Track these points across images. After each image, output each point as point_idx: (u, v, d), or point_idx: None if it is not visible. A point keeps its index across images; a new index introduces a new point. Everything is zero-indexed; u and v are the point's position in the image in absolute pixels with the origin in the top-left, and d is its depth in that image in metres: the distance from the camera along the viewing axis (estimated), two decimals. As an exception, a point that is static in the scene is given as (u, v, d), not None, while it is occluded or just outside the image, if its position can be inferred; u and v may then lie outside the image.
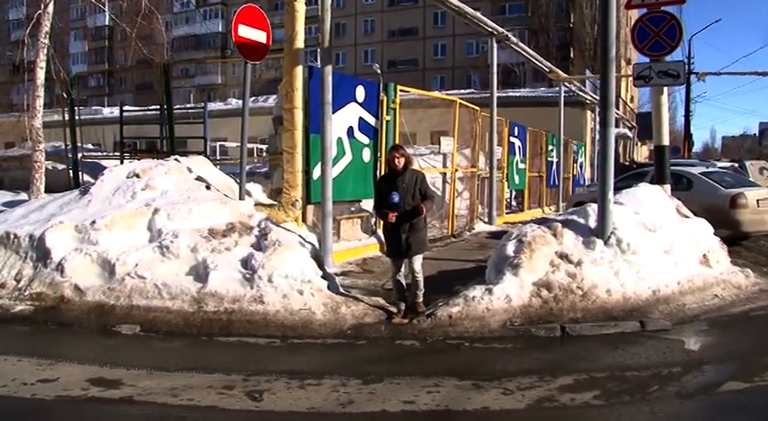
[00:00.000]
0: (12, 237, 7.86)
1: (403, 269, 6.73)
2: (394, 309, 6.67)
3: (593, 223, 7.60)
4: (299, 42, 8.64)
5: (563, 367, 5.20)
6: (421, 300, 6.69)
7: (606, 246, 7.26)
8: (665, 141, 9.67)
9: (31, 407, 4.38)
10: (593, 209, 7.76)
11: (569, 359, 5.48)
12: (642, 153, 47.43)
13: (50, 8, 11.54)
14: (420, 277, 6.65)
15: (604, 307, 6.63)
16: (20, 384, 4.75)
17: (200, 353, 5.68)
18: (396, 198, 6.39)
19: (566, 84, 22.48)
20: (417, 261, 6.62)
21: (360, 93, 9.72)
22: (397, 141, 10.69)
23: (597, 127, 27.19)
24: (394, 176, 6.54)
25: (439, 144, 13.33)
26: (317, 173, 8.70)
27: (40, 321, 6.67)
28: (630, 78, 31.94)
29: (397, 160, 6.48)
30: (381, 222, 6.95)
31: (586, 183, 25.34)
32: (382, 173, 10.26)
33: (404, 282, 6.75)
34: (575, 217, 7.88)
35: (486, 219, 14.80)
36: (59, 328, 6.49)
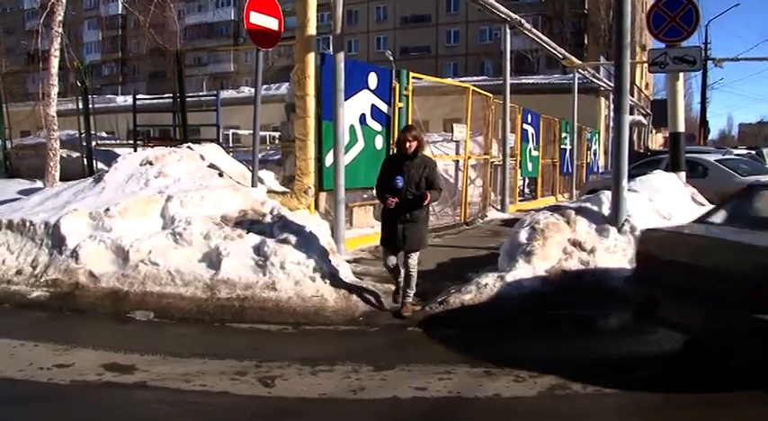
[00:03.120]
0: (28, 224, 7.92)
1: (395, 261, 6.35)
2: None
3: (606, 210, 7.56)
4: (312, 29, 8.61)
5: (575, 354, 5.19)
6: (410, 299, 6.29)
7: (620, 234, 7.22)
8: (681, 128, 9.58)
9: (47, 391, 4.42)
10: (606, 196, 7.72)
11: (581, 346, 5.46)
12: (657, 140, 47.04)
13: (64, -3, 11.56)
14: (414, 273, 6.20)
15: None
16: (37, 369, 4.81)
17: (213, 340, 5.72)
18: (400, 183, 5.91)
19: (580, 70, 22.33)
20: (413, 256, 6.19)
21: (372, 80, 9.69)
22: (409, 129, 10.67)
23: (611, 114, 27.05)
24: (402, 159, 6.08)
25: (452, 131, 13.30)
26: (329, 160, 8.69)
27: (56, 307, 6.72)
28: (645, 65, 31.65)
29: (408, 143, 6.01)
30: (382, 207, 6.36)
31: (600, 171, 25.21)
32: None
33: (398, 268, 6.37)
34: (588, 204, 7.83)
35: (499, 207, 14.78)
36: (75, 314, 6.54)
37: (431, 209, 12.40)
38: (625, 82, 7.52)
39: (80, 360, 5.02)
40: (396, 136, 10.28)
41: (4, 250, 7.82)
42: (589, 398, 4.28)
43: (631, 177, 8.14)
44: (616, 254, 7.02)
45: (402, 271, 6.27)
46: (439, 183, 6.17)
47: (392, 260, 6.32)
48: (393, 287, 6.73)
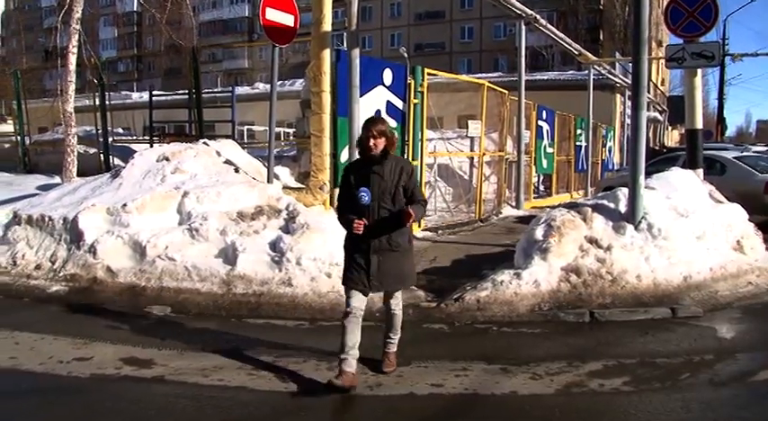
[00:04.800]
0: (46, 219, 8.01)
1: (362, 307, 4.43)
2: (422, 293, 6.60)
3: (623, 208, 7.51)
4: (327, 25, 8.63)
5: (592, 352, 5.16)
6: (394, 350, 4.71)
7: (637, 231, 7.17)
8: (699, 125, 9.49)
9: (67, 384, 4.48)
10: (623, 193, 7.67)
11: (598, 344, 5.42)
12: (672, 137, 46.72)
13: (82, -7, 11.65)
14: (399, 312, 4.67)
15: (634, 292, 6.56)
16: (56, 362, 4.88)
17: (229, 335, 5.74)
18: (365, 197, 4.27)
19: (595, 67, 22.16)
20: (397, 294, 4.67)
21: (387, 76, 9.68)
22: (424, 125, 10.65)
23: (627, 110, 26.92)
24: (367, 165, 4.40)
25: (466, 128, 13.25)
26: (344, 156, 8.70)
27: (74, 301, 6.80)
28: (662, 61, 31.37)
29: (372, 141, 4.33)
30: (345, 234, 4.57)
31: (615, 168, 25.05)
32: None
33: (358, 330, 4.39)
34: (605, 201, 7.79)
35: (514, 204, 14.71)
36: (93, 309, 6.58)
37: (446, 204, 12.50)
38: (643, 78, 7.45)
39: (99, 354, 5.08)
40: (411, 133, 10.32)
41: (23, 245, 7.92)
42: (606, 396, 4.26)
43: (648, 174, 8.09)
44: (633, 251, 6.97)
45: (385, 312, 4.72)
46: (420, 192, 4.59)
47: (357, 304, 4.39)
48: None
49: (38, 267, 7.65)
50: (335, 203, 9.13)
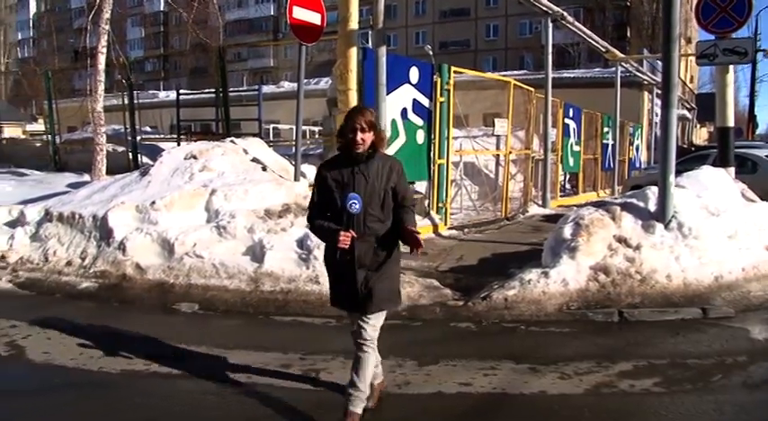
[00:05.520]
0: (77, 216, 8.13)
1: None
2: (449, 291, 6.58)
3: (652, 206, 7.42)
4: (354, 23, 8.64)
5: (621, 353, 5.09)
6: (355, 409, 3.73)
7: (666, 231, 7.08)
8: (730, 122, 9.34)
9: (98, 379, 4.54)
10: (652, 192, 7.58)
11: (628, 345, 5.35)
12: (701, 135, 46.07)
13: (111, -6, 11.80)
14: (370, 351, 3.78)
15: (664, 292, 6.47)
16: (87, 357, 4.95)
17: (257, 332, 5.77)
18: (356, 204, 3.56)
19: (622, 64, 21.94)
20: (375, 320, 3.75)
21: (414, 74, 9.67)
22: (451, 124, 10.62)
23: (655, 108, 26.64)
24: (349, 164, 3.66)
25: (492, 126, 13.20)
26: (371, 154, 8.70)
27: (104, 298, 6.89)
28: (691, 58, 30.99)
29: (360, 134, 3.59)
30: (323, 248, 3.94)
31: (643, 166, 24.78)
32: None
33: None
34: (634, 200, 7.70)
35: (540, 202, 14.62)
36: (122, 305, 6.68)
37: (472, 202, 12.45)
38: (673, 75, 7.35)
39: (129, 350, 5.10)
40: (438, 131, 10.28)
41: (54, 242, 8.04)
42: (637, 397, 4.20)
43: (677, 173, 7.99)
44: (663, 251, 6.89)
45: (354, 356, 3.81)
46: (411, 194, 3.93)
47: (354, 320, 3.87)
48: (436, 282, 6.43)
49: (69, 264, 7.77)
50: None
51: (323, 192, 3.73)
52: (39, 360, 4.94)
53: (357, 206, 3.56)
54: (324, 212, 3.74)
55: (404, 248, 3.77)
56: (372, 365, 3.83)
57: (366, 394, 3.79)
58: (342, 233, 3.56)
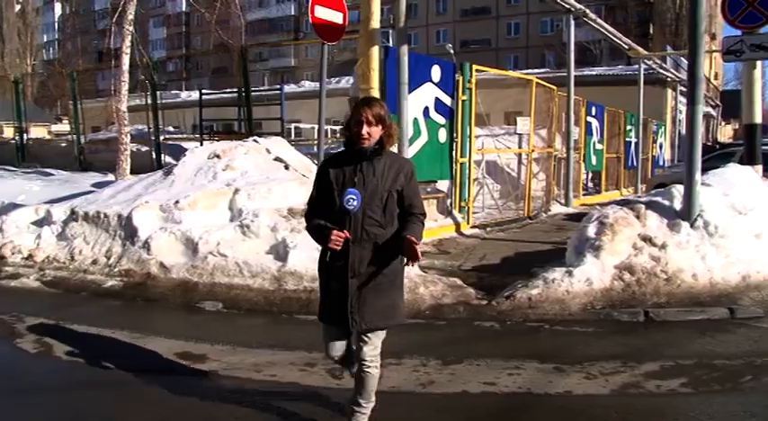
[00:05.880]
0: (102, 216, 8.21)
1: (343, 346, 3.59)
2: (472, 291, 6.55)
3: (678, 205, 7.34)
4: (376, 22, 8.64)
5: (647, 353, 5.03)
6: None
7: (692, 229, 7.00)
8: (758, 119, 9.20)
9: (123, 377, 4.56)
10: (678, 190, 7.49)
11: (654, 345, 5.29)
12: (726, 133, 45.51)
13: (135, -5, 11.91)
14: (374, 371, 3.48)
15: (690, 292, 6.40)
16: (113, 356, 4.98)
17: (281, 331, 5.79)
18: (354, 201, 3.24)
19: (645, 61, 21.73)
20: (374, 338, 3.44)
21: (435, 73, 9.66)
22: (473, 122, 10.58)
23: (679, 105, 26.36)
24: (353, 160, 3.33)
25: (514, 124, 13.15)
26: (393, 153, 8.70)
27: (129, 296, 6.96)
28: (715, 54, 30.57)
29: (366, 128, 3.26)
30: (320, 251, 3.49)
31: (667, 165, 24.54)
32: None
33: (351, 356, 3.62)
34: (659, 198, 7.62)
35: (563, 201, 14.56)
36: (147, 304, 6.75)
37: (494, 201, 12.42)
38: (699, 72, 7.25)
39: (154, 348, 5.17)
40: (460, 129, 10.25)
41: (80, 241, 8.13)
42: (664, 398, 4.15)
43: (703, 171, 7.88)
44: (688, 250, 6.80)
45: (355, 365, 3.59)
46: (420, 201, 3.49)
47: (338, 347, 3.57)
48: (459, 281, 6.40)
49: (94, 262, 7.86)
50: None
51: (322, 189, 3.39)
52: (65, 357, 4.99)
53: (355, 203, 3.23)
54: (323, 212, 3.37)
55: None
56: (376, 381, 3.53)
57: (369, 409, 3.58)
58: (334, 232, 3.22)
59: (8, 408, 4.01)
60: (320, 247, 3.42)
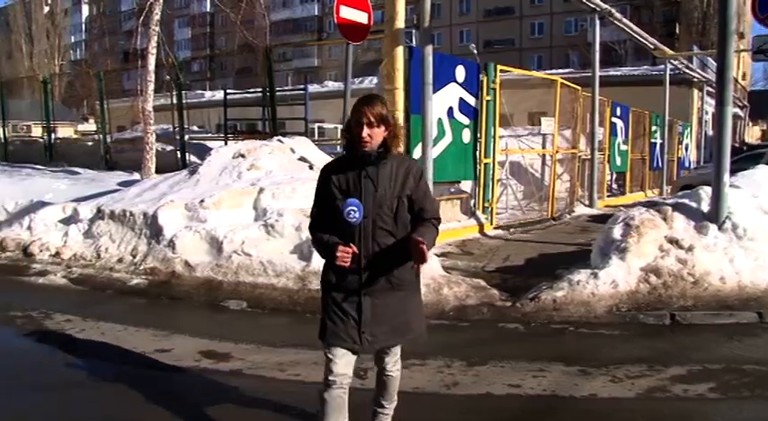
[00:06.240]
0: (128, 214, 8.30)
1: (349, 373, 3.13)
2: (496, 292, 6.52)
3: (705, 207, 7.24)
4: (400, 22, 8.63)
5: (674, 356, 4.96)
6: None
7: (720, 232, 6.90)
8: (787, 120, 9.06)
9: (149, 374, 4.62)
10: (705, 192, 7.40)
11: (680, 348, 5.22)
12: (753, 134, 44.87)
13: (161, -3, 12.02)
14: (396, 373, 3.35)
15: (718, 295, 6.30)
16: (139, 353, 5.06)
17: (305, 330, 5.77)
18: (355, 213, 2.90)
19: (671, 61, 21.50)
20: (395, 352, 3.28)
21: (460, 73, 9.63)
22: (497, 123, 10.54)
23: (705, 106, 26.03)
24: (356, 166, 3.01)
25: (539, 125, 13.08)
26: (417, 153, 8.69)
27: (154, 294, 7.03)
28: (743, 54, 30.06)
29: (367, 131, 2.94)
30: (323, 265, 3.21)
31: (692, 166, 24.25)
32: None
33: (345, 410, 3.18)
34: (686, 200, 7.53)
35: (587, 202, 14.45)
36: (171, 302, 6.81)
37: (517, 202, 12.37)
38: (728, 72, 7.15)
39: (178, 346, 5.23)
40: (484, 130, 10.21)
41: (106, 239, 8.22)
42: (691, 402, 4.10)
43: (731, 172, 7.77)
44: (716, 252, 6.71)
45: (377, 374, 3.39)
46: (434, 206, 3.20)
47: (343, 370, 3.08)
48: (483, 283, 6.37)
49: (120, 260, 7.94)
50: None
51: (325, 198, 3.07)
52: (92, 354, 5.06)
53: (356, 215, 2.90)
54: (327, 224, 3.06)
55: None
56: (398, 383, 3.38)
57: (392, 409, 3.45)
58: (341, 248, 2.88)
59: (37, 403, 4.06)
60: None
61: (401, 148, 3.26)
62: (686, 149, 25.38)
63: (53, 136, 19.77)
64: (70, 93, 47.37)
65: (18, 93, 33.20)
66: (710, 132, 26.44)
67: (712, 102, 24.11)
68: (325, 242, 3.02)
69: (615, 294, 6.32)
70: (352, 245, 2.91)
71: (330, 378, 3.07)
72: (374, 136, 2.95)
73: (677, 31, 45.01)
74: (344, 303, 3.04)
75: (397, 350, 3.28)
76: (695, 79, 25.75)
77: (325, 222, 3.06)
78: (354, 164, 3.01)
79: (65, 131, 29.23)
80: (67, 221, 8.96)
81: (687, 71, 24.22)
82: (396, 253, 2.99)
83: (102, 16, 64.12)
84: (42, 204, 9.66)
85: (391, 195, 3.00)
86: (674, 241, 6.86)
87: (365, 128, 2.93)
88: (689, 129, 25.77)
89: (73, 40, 70.93)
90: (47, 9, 59.06)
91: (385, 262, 3.00)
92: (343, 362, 3.07)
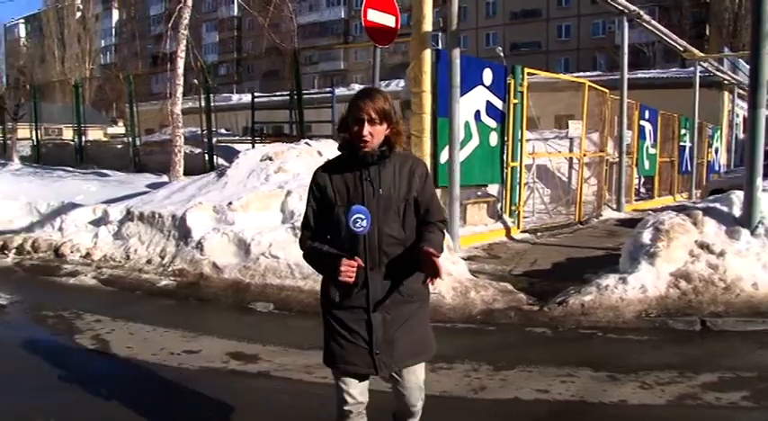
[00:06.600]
0: (157, 216, 8.39)
1: (365, 399, 2.81)
2: (523, 296, 6.48)
3: (737, 211, 7.13)
4: (428, 25, 8.63)
5: (705, 363, 4.88)
6: None
7: (753, 237, 6.79)
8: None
9: (178, 375, 4.64)
10: (737, 196, 7.28)
11: (712, 355, 5.14)
12: (786, 137, 44.02)
13: (190, 1, 12.13)
14: (419, 406, 2.95)
15: (750, 302, 6.19)
16: (168, 354, 5.10)
17: (331, 333, 5.81)
18: (363, 222, 2.55)
19: (701, 63, 21.21)
20: (418, 373, 2.86)
21: (487, 76, 9.60)
22: (524, 126, 10.49)
23: (736, 109, 25.62)
24: (355, 167, 2.67)
25: (565, 128, 13.00)
26: (444, 157, 8.69)
27: (182, 296, 7.10)
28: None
29: (368, 128, 2.59)
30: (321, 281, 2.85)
31: (723, 170, 23.90)
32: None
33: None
34: (717, 204, 7.42)
35: (615, 206, 14.32)
36: (199, 303, 6.87)
37: (544, 206, 12.29)
38: (762, 74, 7.01)
39: (206, 347, 5.26)
40: (511, 133, 10.16)
41: (135, 240, 8.33)
42: (724, 411, 4.02)
43: (764, 176, 7.64)
44: (748, 258, 6.60)
45: (396, 393, 2.93)
46: (439, 208, 2.86)
47: (359, 396, 2.77)
48: (510, 286, 6.36)
49: (148, 262, 8.04)
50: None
51: (320, 204, 2.71)
52: (122, 354, 5.12)
53: (364, 223, 2.53)
54: (322, 233, 2.73)
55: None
56: (422, 399, 2.97)
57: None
58: (344, 262, 2.53)
59: (68, 401, 4.12)
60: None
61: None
62: (716, 153, 25.03)
63: (83, 139, 20.06)
64: (100, 96, 48.06)
65: (50, 96, 33.77)
66: (741, 135, 26.02)
67: (743, 104, 23.79)
68: (324, 255, 2.66)
69: (644, 299, 6.25)
70: (356, 257, 2.56)
71: (345, 408, 2.76)
72: (375, 134, 2.61)
73: (707, 32, 44.40)
74: (351, 322, 2.68)
75: (420, 371, 2.85)
76: (726, 81, 25.36)
77: (321, 232, 2.73)
78: (353, 164, 2.66)
79: (95, 134, 29.67)
80: (97, 223, 9.09)
81: (717, 73, 23.87)
82: (405, 261, 2.67)
83: (131, 21, 65.05)
84: (73, 206, 9.82)
85: (397, 198, 2.67)
86: (704, 246, 6.76)
87: (366, 125, 2.58)
88: (719, 132, 25.41)
89: (103, 44, 71.97)
90: (78, 14, 60.03)
91: (393, 272, 2.67)
92: (358, 391, 2.75)
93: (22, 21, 75.43)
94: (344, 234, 2.60)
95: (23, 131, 21.63)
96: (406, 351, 2.71)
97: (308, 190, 2.79)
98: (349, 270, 2.52)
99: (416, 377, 2.84)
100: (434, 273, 2.50)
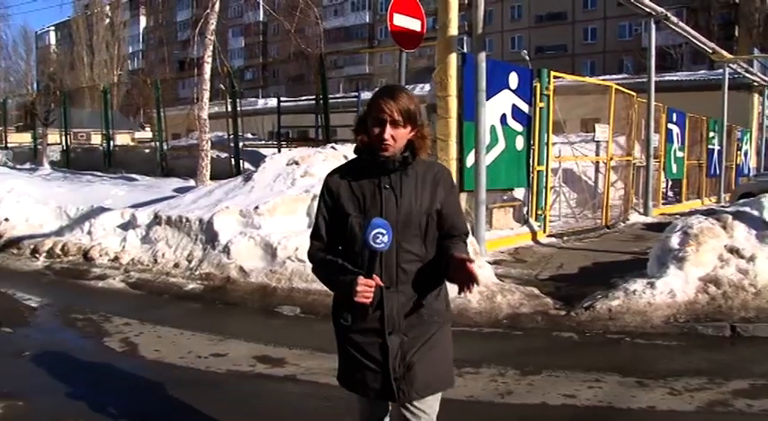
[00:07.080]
0: (184, 220, 8.48)
1: (382, 415, 2.62)
2: (550, 300, 6.45)
3: (768, 216, 7.04)
4: (453, 29, 8.63)
5: (736, 369, 4.82)
6: None
7: (785, 241, 6.70)
8: None
9: (206, 379, 4.69)
10: (768, 200, 7.20)
11: (742, 361, 5.07)
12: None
13: (216, 7, 12.25)
14: None
15: (782, 307, 6.12)
16: (195, 357, 5.13)
17: (357, 337, 5.82)
18: (383, 237, 2.18)
19: (730, 65, 20.92)
20: (435, 406, 2.50)
21: (513, 79, 9.58)
22: (550, 130, 10.44)
23: (766, 111, 25.20)
24: (373, 173, 2.37)
25: (592, 131, 12.91)
26: (470, 160, 8.67)
27: (209, 299, 7.15)
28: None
29: (390, 131, 2.30)
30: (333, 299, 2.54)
31: (752, 173, 23.53)
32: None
33: None
34: (747, 208, 7.33)
35: (642, 210, 14.19)
36: (226, 307, 6.92)
37: (571, 210, 12.19)
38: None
39: (233, 351, 5.29)
40: (537, 137, 10.12)
41: (163, 244, 8.42)
42: (756, 418, 3.96)
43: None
44: (780, 263, 6.52)
45: None
46: (463, 220, 2.57)
47: (379, 412, 2.61)
48: (536, 291, 6.35)
49: (176, 265, 8.12)
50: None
51: (332, 213, 2.43)
52: (150, 357, 5.18)
53: (385, 239, 2.19)
54: (333, 244, 2.45)
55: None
56: None
57: None
58: (360, 280, 2.26)
59: (97, 403, 4.17)
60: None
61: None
62: (745, 156, 24.67)
63: (111, 143, 20.32)
64: (127, 101, 48.65)
65: (79, 102, 34.25)
66: (772, 139, 25.65)
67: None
68: (337, 270, 2.37)
69: (673, 304, 6.19)
70: (375, 275, 2.28)
71: (368, 418, 2.62)
72: (398, 137, 2.32)
73: (736, 33, 43.77)
74: (366, 346, 2.41)
75: (434, 403, 2.50)
76: (755, 83, 24.99)
77: (332, 243, 2.45)
78: (371, 171, 2.37)
79: (122, 139, 30.01)
80: (126, 227, 9.20)
81: (747, 75, 23.52)
82: (424, 279, 2.40)
83: (159, 27, 65.73)
84: (102, 210, 9.95)
85: (419, 211, 2.37)
86: (734, 250, 6.68)
87: (388, 127, 2.30)
88: (748, 134, 25.04)
89: (131, 50, 72.96)
90: (107, 21, 60.93)
91: (412, 291, 2.39)
92: (378, 409, 2.59)
93: (53, 28, 76.81)
94: (359, 248, 2.31)
95: (53, 137, 21.94)
96: (426, 378, 2.40)
97: (318, 197, 2.52)
98: (366, 290, 2.26)
99: (432, 409, 2.49)
100: (471, 279, 2.20)
